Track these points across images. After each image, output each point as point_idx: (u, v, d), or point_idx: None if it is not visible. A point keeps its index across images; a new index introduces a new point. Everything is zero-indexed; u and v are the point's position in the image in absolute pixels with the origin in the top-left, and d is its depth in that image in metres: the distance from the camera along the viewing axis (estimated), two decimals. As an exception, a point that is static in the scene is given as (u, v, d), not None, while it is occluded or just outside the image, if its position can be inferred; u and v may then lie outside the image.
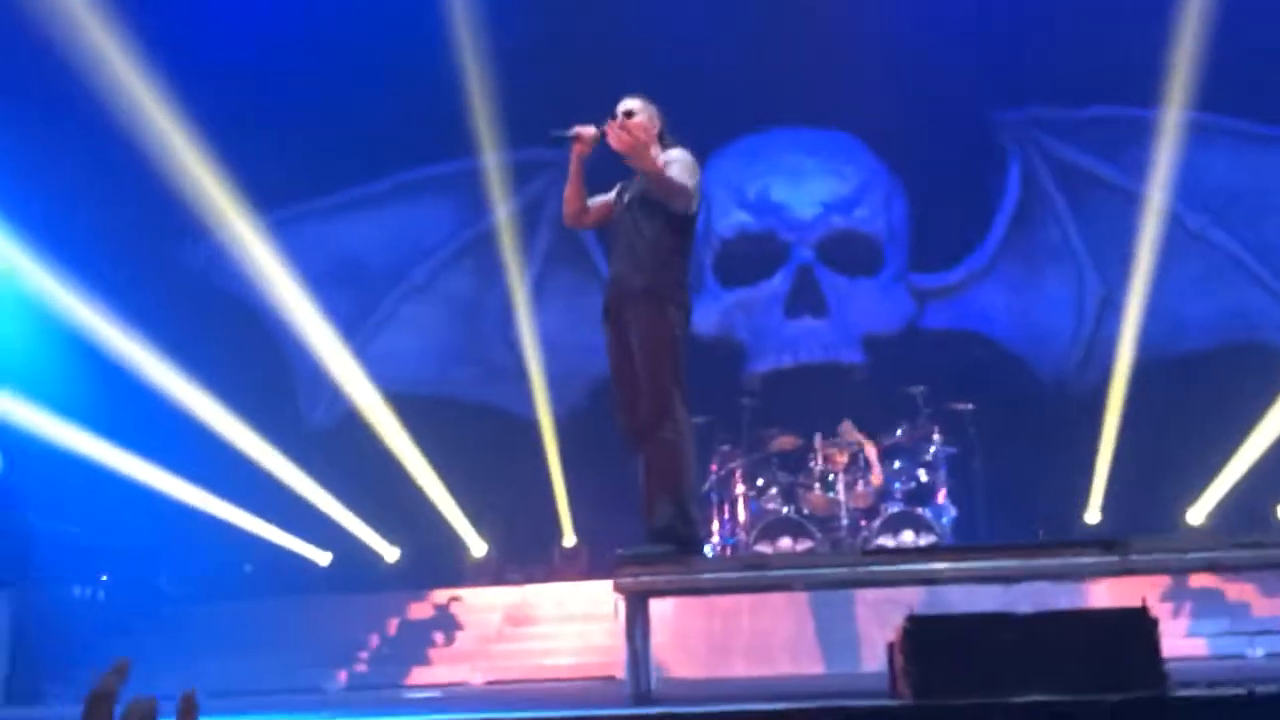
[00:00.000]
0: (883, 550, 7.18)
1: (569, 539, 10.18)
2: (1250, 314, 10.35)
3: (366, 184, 11.42)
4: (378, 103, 10.11)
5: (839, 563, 4.15)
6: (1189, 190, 10.28)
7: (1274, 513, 9.08)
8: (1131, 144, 10.38)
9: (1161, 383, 9.85)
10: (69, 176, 9.27)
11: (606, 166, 4.97)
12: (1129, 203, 10.40)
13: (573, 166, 4.71)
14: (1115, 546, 3.89)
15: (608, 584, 8.63)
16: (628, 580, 4.15)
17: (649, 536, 4.44)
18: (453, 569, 10.05)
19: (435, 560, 10.17)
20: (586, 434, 10.42)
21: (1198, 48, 9.07)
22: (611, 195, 4.91)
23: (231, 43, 9.69)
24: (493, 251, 11.24)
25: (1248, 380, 9.45)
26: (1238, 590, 7.67)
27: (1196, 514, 9.50)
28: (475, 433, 10.66)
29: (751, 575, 4.18)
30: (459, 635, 8.65)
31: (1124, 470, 9.57)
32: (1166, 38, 9.16)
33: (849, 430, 8.52)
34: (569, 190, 4.76)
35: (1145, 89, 9.71)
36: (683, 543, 4.38)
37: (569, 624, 8.73)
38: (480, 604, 9.04)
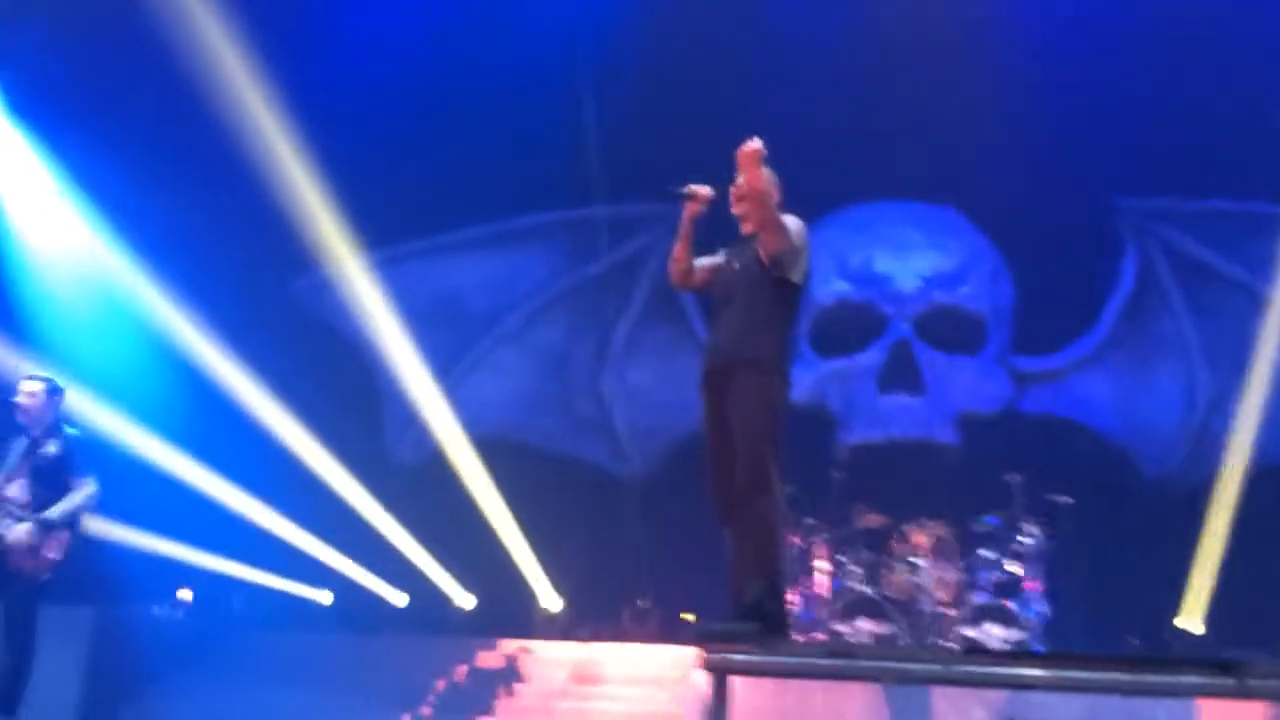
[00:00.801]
0: (978, 650, 6.89)
1: (641, 600, 10.01)
2: (1372, 426, 9.83)
3: (470, 227, 11.55)
4: (490, 149, 10.24)
5: (930, 658, 3.94)
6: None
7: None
8: (1254, 239, 10.01)
9: (1274, 489, 9.37)
10: (184, 196, 9.53)
11: (714, 228, 4.92)
12: (1248, 300, 10.02)
13: (684, 225, 4.65)
14: (1233, 669, 3.61)
15: (678, 649, 8.58)
16: (715, 658, 3.98)
17: (737, 612, 4.28)
18: (523, 619, 9.96)
19: (507, 608, 10.10)
20: (668, 494, 10.30)
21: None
22: (719, 259, 4.83)
23: (355, 81, 9.92)
24: (588, 303, 11.28)
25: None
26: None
27: (1308, 634, 8.95)
28: (557, 483, 10.62)
29: (838, 664, 3.99)
30: (524, 689, 8.52)
31: (1230, 579, 9.09)
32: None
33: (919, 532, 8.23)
34: (678, 249, 4.69)
35: (1273, 184, 9.37)
36: (771, 620, 4.26)
37: (635, 687, 8.54)
38: (548, 658, 8.90)
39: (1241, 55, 9.07)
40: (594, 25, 10.06)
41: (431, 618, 9.97)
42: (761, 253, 4.55)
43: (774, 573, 4.30)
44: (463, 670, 8.72)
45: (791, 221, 4.58)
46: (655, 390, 11.15)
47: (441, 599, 10.33)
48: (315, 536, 9.98)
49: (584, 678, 8.69)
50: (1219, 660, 3.74)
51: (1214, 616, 9.14)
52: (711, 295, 4.78)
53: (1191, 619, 9.21)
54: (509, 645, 8.95)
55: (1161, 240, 10.65)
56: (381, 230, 10.60)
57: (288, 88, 9.09)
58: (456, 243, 11.63)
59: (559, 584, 10.26)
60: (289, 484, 9.83)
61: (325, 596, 10.17)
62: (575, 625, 9.77)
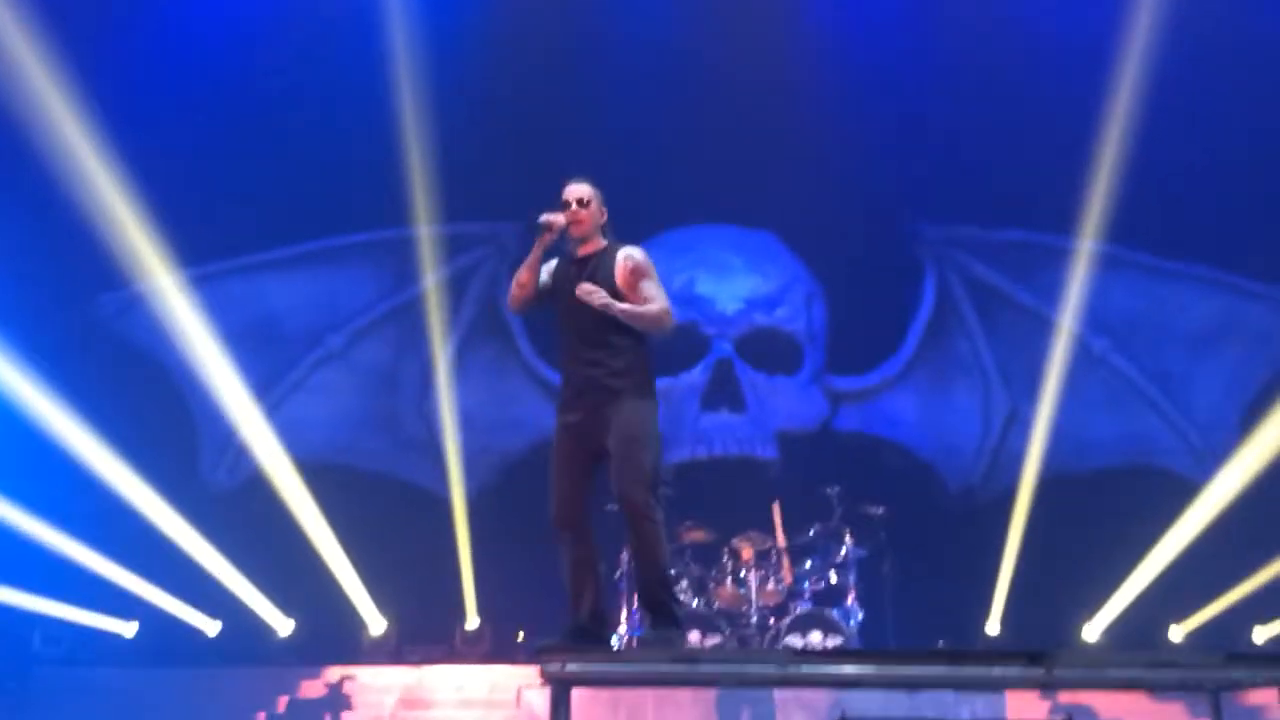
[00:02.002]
0: (814, 651, 7.17)
1: (472, 621, 9.93)
2: (1147, 438, 10.78)
3: (291, 245, 11.25)
4: (313, 166, 10.05)
5: (769, 660, 4.12)
6: (1094, 316, 10.73)
7: (1167, 634, 9.34)
8: (1043, 269, 10.84)
9: (1063, 500, 10.14)
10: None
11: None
12: (1038, 324, 10.82)
13: (535, 252, 4.66)
14: (1041, 659, 3.94)
15: (510, 669, 8.57)
16: (555, 667, 4.03)
17: (654, 621, 4.52)
18: (349, 645, 9.72)
19: (331, 635, 9.82)
20: (498, 514, 10.28)
21: (1111, 183, 9.57)
22: (548, 278, 4.83)
23: (172, 94, 9.58)
24: (413, 323, 11.16)
25: (1144, 502, 9.79)
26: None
27: (1092, 631, 9.73)
28: (383, 505, 10.43)
29: (681, 669, 4.12)
30: (350, 716, 8.32)
31: (1024, 583, 9.77)
32: (1083, 171, 9.64)
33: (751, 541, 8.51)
34: (525, 275, 4.67)
35: (1060, 218, 10.19)
36: (679, 621, 4.55)
37: (467, 709, 8.47)
38: (376, 684, 8.72)
39: (1038, 95, 9.84)
40: (418, 45, 10.04)
41: (250, 648, 9.60)
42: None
43: (670, 578, 4.76)
44: (284, 701, 8.44)
45: (656, 288, 4.71)
46: (482, 409, 11.12)
47: (260, 627, 9.96)
48: (122, 566, 9.46)
49: (413, 702, 8.56)
50: (1028, 652, 4.06)
51: (1010, 618, 9.80)
52: (559, 314, 4.76)
53: (991, 620, 9.85)
54: (333, 673, 8.72)
55: (958, 266, 11.38)
56: (195, 246, 10.21)
57: (99, 99, 8.68)
58: (275, 261, 11.31)
59: (386, 608, 10.06)
60: (93, 510, 9.31)
61: (129, 628, 9.63)
62: (404, 649, 9.60)
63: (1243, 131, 9.69)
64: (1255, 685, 4.25)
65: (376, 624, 10.03)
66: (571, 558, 4.61)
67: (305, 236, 11.24)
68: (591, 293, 4.52)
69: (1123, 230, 10.14)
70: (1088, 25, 9.57)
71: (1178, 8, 9.21)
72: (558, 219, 4.65)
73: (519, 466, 10.97)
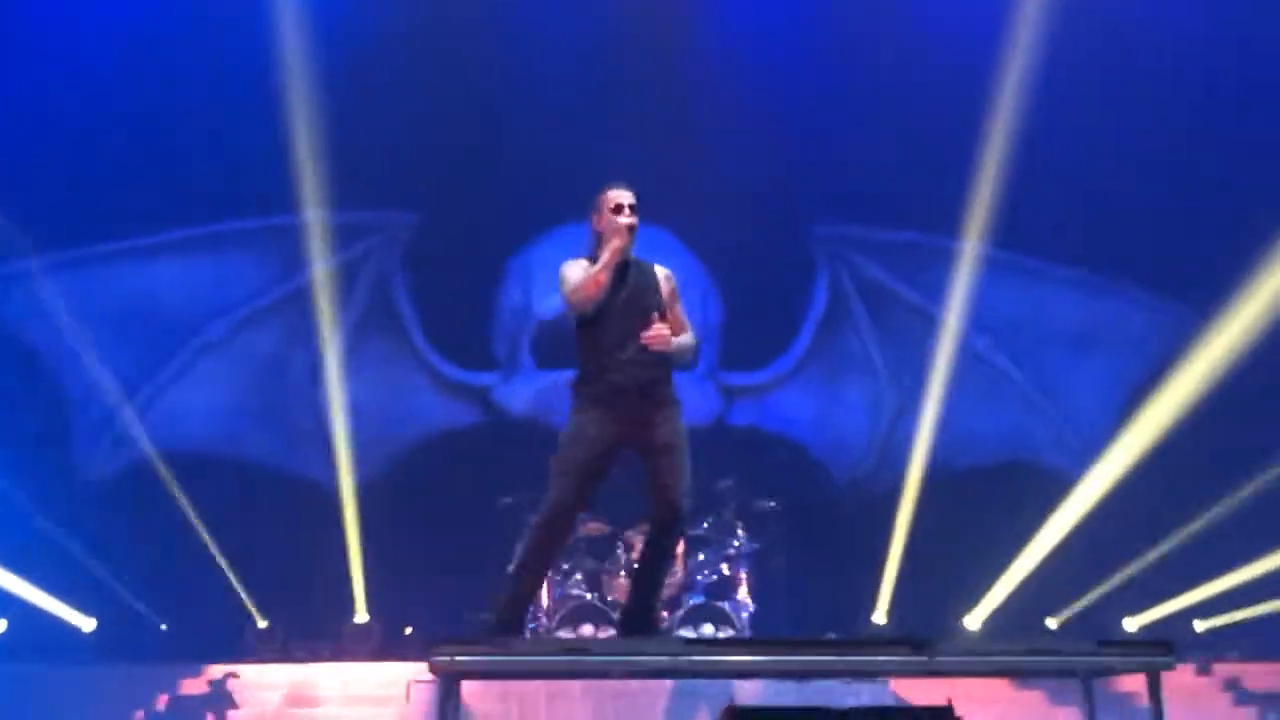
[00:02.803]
0: (704, 640, 7.22)
1: (360, 616, 9.76)
2: (1027, 435, 11.15)
3: (174, 230, 10.89)
4: (198, 149, 9.75)
5: (661, 650, 4.14)
6: (979, 316, 11.05)
7: (1043, 624, 9.70)
8: (931, 269, 11.11)
9: (947, 493, 10.42)
10: None
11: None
12: (926, 323, 11.10)
13: (617, 256, 4.59)
14: (924, 647, 4.04)
15: (399, 665, 8.44)
16: (444, 660, 3.98)
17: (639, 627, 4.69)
18: (232, 642, 9.45)
19: (214, 632, 9.54)
20: (389, 507, 10.13)
21: (995, 187, 9.87)
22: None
23: (57, 73, 9.20)
24: (301, 313, 10.91)
25: (1024, 497, 10.13)
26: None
27: (973, 620, 10.04)
28: (268, 498, 10.18)
29: (571, 660, 4.11)
30: (234, 715, 8.09)
31: (910, 574, 10.02)
32: (970, 174, 9.93)
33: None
34: (605, 277, 4.58)
35: (948, 219, 10.46)
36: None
37: (354, 706, 8.31)
38: (260, 681, 8.49)
39: (929, 97, 10.08)
40: (309, 28, 9.83)
41: (128, 645, 9.26)
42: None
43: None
44: (163, 699, 8.16)
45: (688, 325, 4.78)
46: (372, 401, 10.94)
47: (138, 623, 9.63)
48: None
49: (299, 700, 8.36)
50: (911, 640, 4.17)
51: (896, 608, 10.04)
52: (606, 318, 4.66)
53: (879, 611, 10.09)
54: (216, 670, 8.47)
55: (850, 266, 11.60)
56: (70, 229, 9.82)
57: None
58: (158, 245, 10.92)
59: (272, 603, 9.82)
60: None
61: (-4, 626, 9.23)
62: (290, 645, 9.38)
63: (1121, 142, 10.07)
64: (1125, 671, 4.44)
65: (261, 620, 9.78)
66: (564, 543, 4.84)
67: (190, 221, 10.88)
68: (664, 336, 4.58)
69: (1006, 233, 10.46)
70: (976, 28, 9.83)
71: (1061, 17, 9.53)
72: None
73: (410, 459, 10.83)
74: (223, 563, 9.76)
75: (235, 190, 10.47)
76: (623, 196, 4.72)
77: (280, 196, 10.33)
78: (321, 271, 10.82)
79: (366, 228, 11.39)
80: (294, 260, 10.93)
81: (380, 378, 11.03)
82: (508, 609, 4.69)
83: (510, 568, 4.72)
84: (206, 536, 9.70)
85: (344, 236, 11.10)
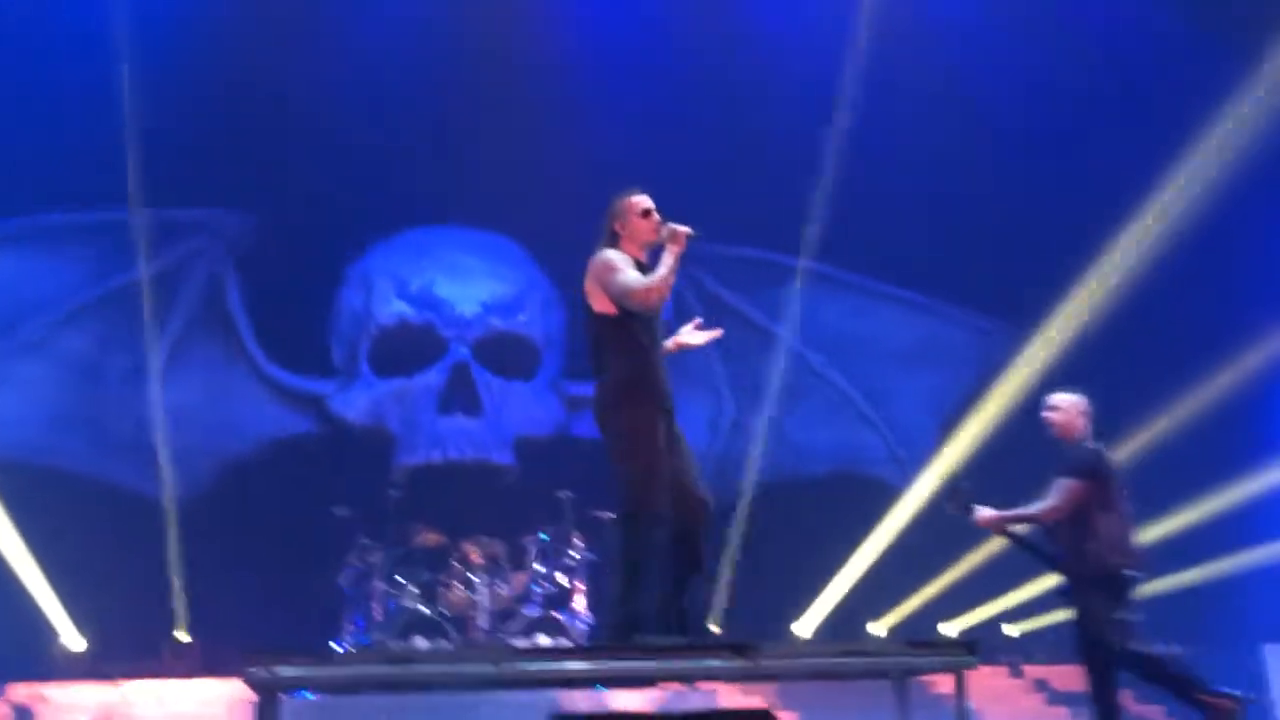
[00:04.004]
0: (528, 649, 7.19)
1: (181, 633, 9.34)
2: (858, 448, 11.53)
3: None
4: (17, 136, 9.22)
5: (486, 659, 4.10)
6: (813, 333, 11.38)
7: (866, 629, 10.03)
8: (770, 285, 11.38)
9: (780, 504, 10.67)
10: None
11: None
12: (764, 339, 11.36)
13: (678, 261, 4.48)
14: (746, 651, 4.12)
15: (220, 683, 8.12)
16: (260, 672, 3.83)
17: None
18: (39, 661, 8.91)
19: (20, 650, 8.96)
20: (212, 519, 9.75)
21: (830, 207, 10.20)
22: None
23: None
24: (124, 313, 10.41)
25: (854, 507, 10.46)
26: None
27: (803, 627, 10.30)
28: (84, 509, 9.64)
29: (394, 671, 4.02)
30: (40, 738, 7.65)
31: (743, 583, 10.21)
32: (807, 193, 10.22)
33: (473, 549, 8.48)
34: (673, 280, 4.51)
35: (786, 237, 10.73)
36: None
37: (172, 727, 7.98)
38: (68, 702, 8.06)
39: (772, 116, 10.35)
40: (143, 20, 9.45)
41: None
42: None
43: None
44: (-41, 723, 7.65)
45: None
46: (201, 409, 10.52)
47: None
48: None
49: (112, 720, 7.98)
50: (733, 644, 4.25)
51: (730, 616, 10.21)
52: (652, 318, 4.58)
53: (711, 619, 10.22)
54: (20, 690, 8.00)
55: (694, 280, 11.77)
56: None
57: None
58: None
59: (85, 619, 9.30)
60: None
61: None
62: (104, 664, 8.89)
63: (947, 171, 10.55)
64: (932, 671, 4.63)
65: (73, 638, 9.25)
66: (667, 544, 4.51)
67: (2, 212, 10.27)
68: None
69: (841, 253, 10.82)
70: (816, 48, 10.16)
71: (896, 49, 9.94)
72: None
73: (239, 468, 10.45)
74: (31, 576, 9.19)
75: (55, 181, 9.93)
76: (647, 200, 4.70)
77: (105, 190, 9.86)
78: (147, 270, 10.36)
79: (198, 226, 10.98)
80: (117, 258, 10.45)
81: (208, 383, 10.63)
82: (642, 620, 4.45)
83: (623, 582, 4.51)
84: (13, 547, 9.11)
85: (173, 234, 10.69)
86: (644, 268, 4.59)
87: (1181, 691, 5.19)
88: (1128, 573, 5.31)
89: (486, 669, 4.05)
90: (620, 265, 4.52)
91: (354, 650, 7.91)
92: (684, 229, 4.52)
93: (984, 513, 5.58)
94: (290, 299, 10.76)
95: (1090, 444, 5.53)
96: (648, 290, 4.46)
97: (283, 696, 3.98)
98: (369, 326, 11.10)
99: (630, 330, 4.52)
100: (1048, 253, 10.10)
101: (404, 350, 11.03)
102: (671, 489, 4.53)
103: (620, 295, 4.47)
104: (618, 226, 4.69)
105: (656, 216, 4.64)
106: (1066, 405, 5.60)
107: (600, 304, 4.54)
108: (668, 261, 4.48)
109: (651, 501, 4.49)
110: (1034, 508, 5.50)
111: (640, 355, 4.54)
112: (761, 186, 10.39)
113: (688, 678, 5.20)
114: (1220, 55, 9.64)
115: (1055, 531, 5.47)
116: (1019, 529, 5.64)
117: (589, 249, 10.83)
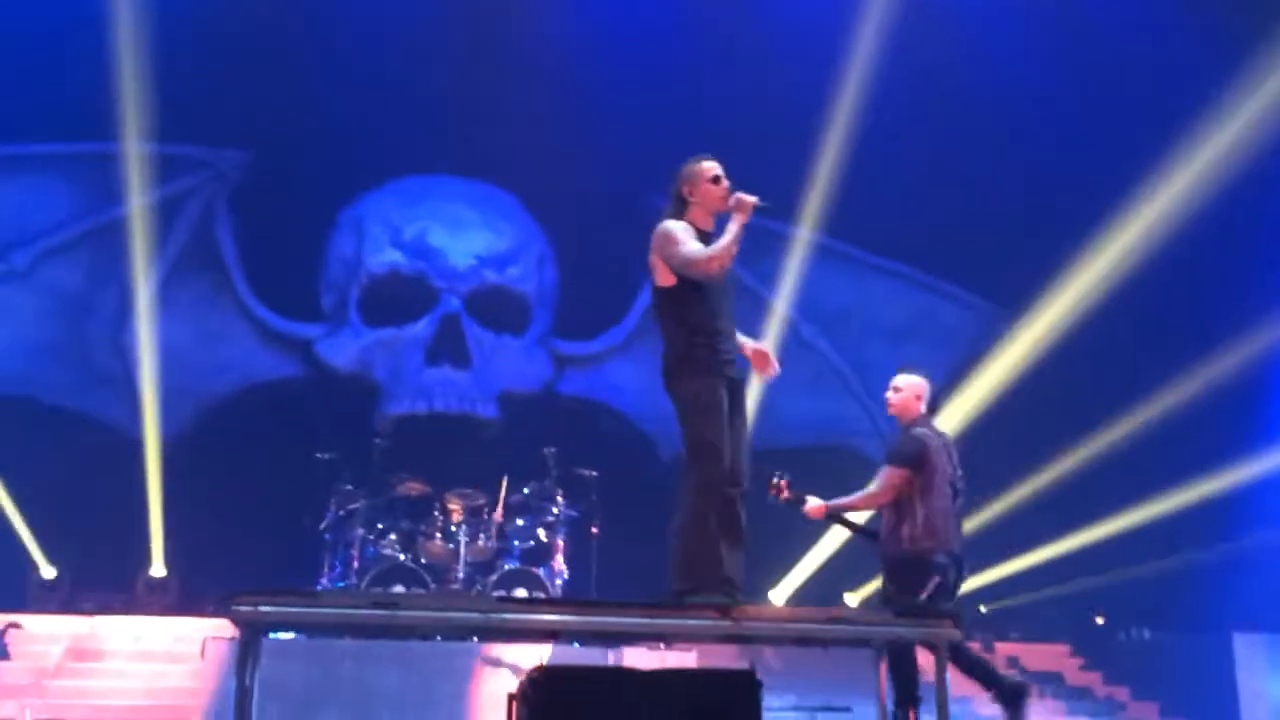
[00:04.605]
0: (516, 599, 7.19)
1: (158, 569, 9.32)
2: (845, 420, 11.54)
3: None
4: (9, 63, 9.07)
5: (473, 608, 4.09)
6: (807, 303, 11.36)
7: (843, 599, 10.07)
8: (767, 254, 11.33)
9: (762, 473, 10.65)
10: None
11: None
12: (757, 306, 11.32)
13: (741, 230, 4.48)
14: (730, 612, 4.14)
15: (196, 620, 8.10)
16: (245, 610, 3.83)
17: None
18: (13, 591, 8.88)
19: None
20: (195, 459, 9.71)
21: (833, 179, 10.16)
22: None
23: None
24: (114, 248, 10.31)
25: (837, 480, 10.43)
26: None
27: (777, 596, 10.35)
28: (65, 442, 9.59)
29: (380, 614, 4.01)
30: (10, 667, 7.63)
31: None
32: (810, 164, 10.15)
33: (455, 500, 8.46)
34: (737, 249, 4.51)
35: (784, 207, 10.67)
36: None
37: (144, 662, 7.96)
38: (41, 633, 8.04)
39: (779, 85, 10.26)
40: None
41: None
42: None
43: None
44: (-68, 649, 7.62)
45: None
46: (188, 347, 10.44)
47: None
48: None
49: (83, 653, 7.97)
50: (718, 605, 4.27)
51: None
52: (719, 291, 4.60)
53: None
54: (-7, 618, 7.97)
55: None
56: None
57: None
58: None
59: (60, 552, 9.26)
60: None
61: None
62: (77, 596, 8.88)
63: (948, 151, 10.50)
64: (915, 640, 4.65)
65: (48, 569, 9.22)
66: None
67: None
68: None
69: (838, 224, 10.77)
70: (824, 26, 10.08)
71: (901, 30, 9.87)
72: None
73: (221, 409, 10.40)
74: (7, 506, 9.15)
75: (49, 111, 9.80)
76: (718, 167, 4.69)
77: (99, 122, 9.74)
78: (139, 205, 10.24)
79: (192, 163, 10.87)
80: (109, 191, 10.32)
81: (196, 322, 10.57)
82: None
83: (687, 539, 4.69)
84: (-9, 477, 9.08)
85: (167, 170, 10.56)
86: (707, 238, 4.61)
87: (980, 676, 5.36)
88: (936, 558, 5.37)
89: (472, 617, 4.05)
90: (681, 237, 4.53)
91: (340, 591, 7.90)
92: (751, 198, 4.52)
93: (813, 503, 5.66)
94: (283, 241, 10.69)
95: (920, 428, 5.57)
96: (709, 259, 4.49)
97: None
98: (359, 274, 11.03)
99: (689, 302, 4.55)
100: (1041, 236, 10.10)
101: (394, 299, 10.97)
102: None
103: (682, 265, 4.49)
104: (686, 191, 4.68)
105: (726, 183, 4.62)
106: (905, 387, 5.78)
107: (661, 277, 4.57)
108: (732, 230, 4.50)
109: (712, 468, 4.60)
110: (858, 495, 5.77)
111: (700, 326, 4.56)
112: (762, 153, 10.31)
113: (671, 636, 5.22)
114: (1221, 40, 9.62)
115: (881, 514, 5.66)
116: (851, 516, 5.75)
117: (586, 209, 10.72)
